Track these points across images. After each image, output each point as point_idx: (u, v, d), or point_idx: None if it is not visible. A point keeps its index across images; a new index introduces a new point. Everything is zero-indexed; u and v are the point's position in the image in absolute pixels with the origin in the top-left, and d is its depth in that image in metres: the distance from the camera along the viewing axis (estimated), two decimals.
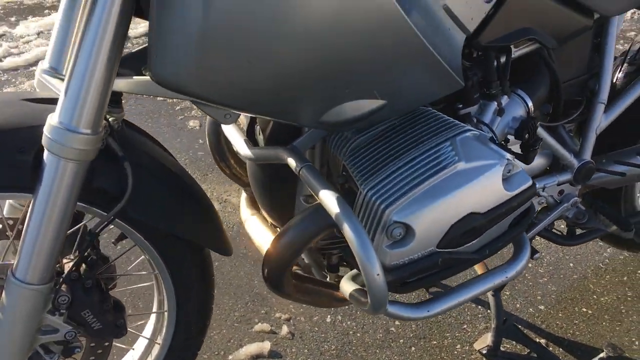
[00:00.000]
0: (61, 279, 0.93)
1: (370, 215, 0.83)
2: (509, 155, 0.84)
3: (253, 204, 1.33)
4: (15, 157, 0.85)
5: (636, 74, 1.36)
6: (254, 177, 1.12)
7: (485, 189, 0.83)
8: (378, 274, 0.79)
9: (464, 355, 1.48)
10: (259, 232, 1.24)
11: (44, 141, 0.83)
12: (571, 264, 1.79)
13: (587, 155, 1.20)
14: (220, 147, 1.30)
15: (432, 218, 0.81)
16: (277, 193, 1.11)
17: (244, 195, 1.36)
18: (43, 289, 0.89)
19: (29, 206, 0.86)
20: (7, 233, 0.99)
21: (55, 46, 1.01)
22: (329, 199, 0.84)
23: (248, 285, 1.69)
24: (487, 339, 1.47)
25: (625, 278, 1.75)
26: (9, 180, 0.86)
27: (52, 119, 0.82)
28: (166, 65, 0.75)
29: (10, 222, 0.99)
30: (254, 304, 1.62)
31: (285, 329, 1.53)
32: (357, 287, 0.92)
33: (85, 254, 0.94)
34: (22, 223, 0.90)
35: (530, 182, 0.85)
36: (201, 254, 1.09)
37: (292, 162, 0.92)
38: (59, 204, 0.85)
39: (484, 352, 1.47)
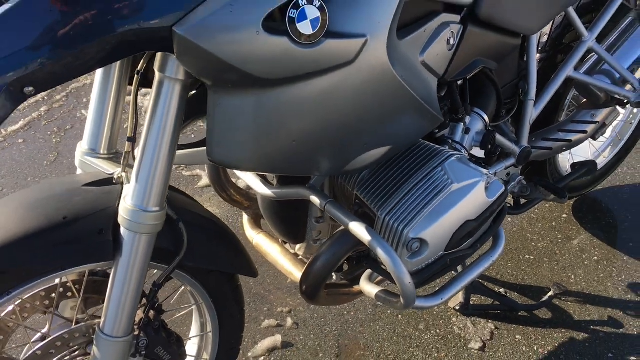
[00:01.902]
0: (139, 327, 1.10)
1: (391, 235, 1.07)
2: (485, 171, 1.10)
3: (256, 224, 1.53)
4: (96, 238, 1.00)
5: (548, 61, 1.65)
6: (268, 207, 1.31)
7: (474, 201, 1.08)
8: (409, 282, 1.04)
9: (442, 313, 1.77)
10: (270, 248, 1.45)
11: (121, 221, 0.99)
12: (509, 219, 2.12)
13: (525, 142, 1.49)
14: (220, 180, 1.47)
15: (439, 230, 1.06)
16: (290, 218, 1.31)
17: (245, 217, 1.55)
18: (128, 339, 1.07)
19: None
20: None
21: (91, 129, 1.15)
22: (358, 228, 1.06)
23: (245, 288, 1.89)
24: (459, 297, 1.77)
25: (553, 223, 2.11)
26: (93, 258, 1.01)
27: (127, 202, 0.98)
28: (223, 151, 0.93)
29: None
30: (256, 304, 1.83)
31: (289, 321, 1.76)
32: (382, 289, 1.16)
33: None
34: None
35: (503, 189, 1.12)
36: (234, 279, 1.29)
37: (315, 199, 1.14)
38: (136, 269, 1.02)
39: (457, 308, 1.77)
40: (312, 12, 0.83)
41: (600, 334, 1.71)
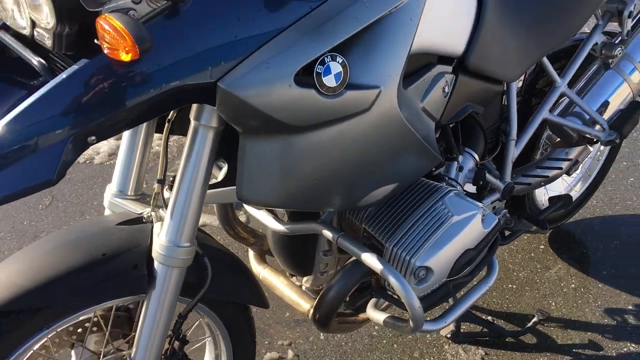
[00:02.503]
0: (165, 358, 1.18)
1: (399, 264, 1.18)
2: (480, 205, 1.22)
3: (261, 259, 1.62)
4: (132, 273, 1.09)
5: (523, 104, 1.81)
6: (278, 242, 1.41)
7: (472, 231, 1.20)
8: (419, 307, 1.14)
9: (435, 342, 1.87)
10: (277, 282, 1.54)
11: (155, 256, 1.08)
12: None
13: (508, 178, 1.62)
14: (228, 218, 1.57)
15: (443, 258, 1.18)
16: (298, 252, 1.41)
17: (251, 253, 1.64)
18: None
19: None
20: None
21: (121, 172, 1.24)
22: (369, 258, 1.17)
23: None
24: (450, 326, 1.87)
25: (532, 254, 2.25)
26: (129, 291, 1.09)
27: (161, 238, 1.07)
28: (252, 191, 1.03)
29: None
30: (257, 337, 1.90)
31: (290, 353, 1.83)
32: (389, 315, 1.26)
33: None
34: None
35: (497, 220, 1.24)
36: (248, 311, 1.37)
37: (327, 233, 1.24)
38: (167, 301, 1.11)
39: (449, 336, 1.87)
40: (336, 67, 0.96)
41: (582, 356, 1.83)
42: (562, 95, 1.70)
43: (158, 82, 0.86)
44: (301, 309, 1.46)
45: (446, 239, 1.17)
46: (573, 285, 2.10)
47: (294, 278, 1.53)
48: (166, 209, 1.16)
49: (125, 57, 0.78)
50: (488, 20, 1.33)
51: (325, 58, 0.95)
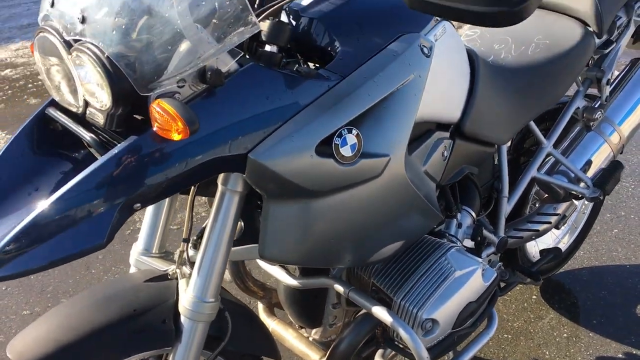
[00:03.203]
0: None
1: (407, 316, 1.27)
2: (480, 260, 1.33)
3: (270, 312, 1.70)
4: (161, 327, 1.16)
5: (512, 162, 1.94)
6: (289, 296, 1.50)
7: (474, 285, 1.30)
8: (427, 357, 1.23)
9: None
10: (286, 334, 1.61)
11: (182, 311, 1.16)
12: None
13: (502, 233, 1.73)
14: (240, 272, 1.65)
15: (447, 311, 1.27)
16: (309, 305, 1.50)
17: (260, 306, 1.72)
18: None
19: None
20: None
21: (147, 232, 1.33)
22: (380, 311, 1.26)
23: None
24: None
25: (525, 304, 2.34)
26: (157, 344, 1.17)
27: (188, 294, 1.16)
28: (274, 250, 1.13)
29: None
30: None
31: None
32: None
33: None
34: None
35: (495, 274, 1.34)
36: None
37: (339, 287, 1.33)
38: (192, 354, 1.18)
39: None
40: (351, 139, 1.07)
41: None
42: (548, 155, 1.83)
43: (199, 156, 0.97)
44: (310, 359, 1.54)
45: (450, 292, 1.27)
46: (565, 335, 2.19)
47: (303, 330, 1.60)
48: (190, 266, 1.26)
49: (177, 137, 0.89)
50: (480, 90, 1.46)
51: (342, 131, 1.06)
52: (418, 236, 1.32)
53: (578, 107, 1.88)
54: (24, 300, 2.34)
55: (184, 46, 0.91)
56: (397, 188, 1.18)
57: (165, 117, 0.88)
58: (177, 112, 0.87)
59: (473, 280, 1.30)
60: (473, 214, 1.53)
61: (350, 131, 1.07)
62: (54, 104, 1.09)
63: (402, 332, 1.22)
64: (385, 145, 1.13)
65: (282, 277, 1.43)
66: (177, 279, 1.25)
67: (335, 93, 1.08)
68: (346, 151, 1.07)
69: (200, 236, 1.30)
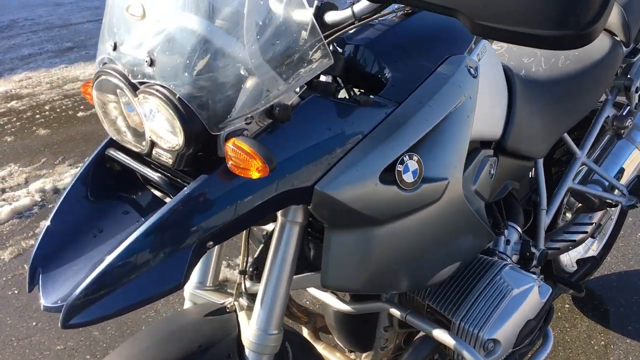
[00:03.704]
0: None
1: (468, 338, 1.26)
2: (534, 276, 1.33)
3: (315, 336, 1.69)
4: None
5: (545, 173, 1.94)
6: (340, 321, 1.49)
7: (532, 302, 1.30)
8: None
9: None
10: (335, 359, 1.61)
11: (246, 344, 1.15)
12: None
13: (542, 245, 1.73)
14: None
15: (508, 330, 1.27)
16: (360, 329, 1.49)
17: (305, 331, 1.71)
18: None
19: None
20: None
21: (201, 265, 1.33)
22: (441, 334, 1.26)
23: None
24: None
25: (559, 313, 2.34)
26: None
27: (251, 326, 1.15)
28: (336, 278, 1.12)
29: None
30: None
31: None
32: None
33: None
34: None
35: (551, 289, 1.34)
36: None
37: (395, 311, 1.33)
38: None
39: None
40: (413, 165, 1.08)
41: None
42: (581, 164, 1.84)
43: (270, 191, 0.97)
44: None
45: (510, 311, 1.27)
46: (603, 343, 2.18)
47: (352, 354, 1.59)
48: (247, 298, 1.25)
49: (256, 175, 0.89)
50: (519, 104, 1.47)
51: (404, 157, 1.06)
52: (473, 256, 1.32)
53: (608, 116, 1.89)
54: (56, 336, 2.32)
55: (254, 84, 0.92)
56: (455, 210, 1.18)
57: (243, 156, 0.88)
58: (255, 151, 0.87)
59: (531, 297, 1.30)
60: (519, 229, 1.53)
61: (411, 157, 1.07)
62: (112, 144, 1.09)
63: (466, 354, 1.22)
64: (444, 169, 1.13)
65: (334, 303, 1.42)
66: (236, 311, 1.24)
67: (393, 120, 1.08)
68: (408, 177, 1.07)
69: (255, 267, 1.30)
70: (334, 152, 1.02)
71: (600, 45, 1.76)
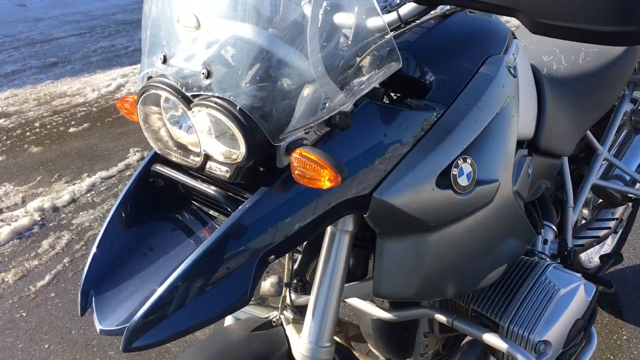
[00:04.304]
0: None
1: (518, 340, 1.25)
2: (579, 275, 1.32)
3: (349, 346, 1.67)
4: None
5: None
6: (378, 329, 1.46)
7: (579, 301, 1.29)
8: None
9: None
10: None
11: (298, 357, 1.12)
12: None
13: (570, 243, 1.73)
14: None
15: (558, 331, 1.25)
16: (399, 336, 1.47)
17: (337, 340, 1.68)
18: None
19: None
20: None
21: None
22: (491, 337, 1.24)
23: None
24: None
25: None
26: None
27: (302, 340, 1.12)
28: (388, 286, 1.10)
29: None
30: None
31: None
32: None
33: None
34: None
35: (595, 288, 1.33)
36: None
37: (440, 317, 1.31)
38: None
39: None
40: (467, 168, 1.06)
41: None
42: (603, 160, 1.84)
43: (330, 201, 0.94)
44: None
45: (558, 312, 1.26)
46: (625, 337, 2.19)
47: None
48: (291, 310, 1.23)
49: (327, 185, 0.86)
50: (547, 104, 1.46)
51: (458, 161, 1.05)
52: (518, 257, 1.31)
53: (626, 111, 1.89)
54: (71, 357, 2.27)
55: (313, 93, 0.89)
56: (506, 213, 1.17)
57: (312, 166, 0.85)
58: (326, 161, 0.85)
59: (578, 296, 1.28)
60: (554, 228, 1.52)
61: (465, 160, 1.06)
62: (157, 160, 1.06)
63: (520, 357, 1.20)
64: (495, 171, 1.12)
65: (374, 311, 1.40)
66: (282, 324, 1.22)
67: (444, 123, 1.06)
68: (463, 181, 1.06)
69: (300, 279, 1.27)
70: (390, 158, 1.00)
71: None
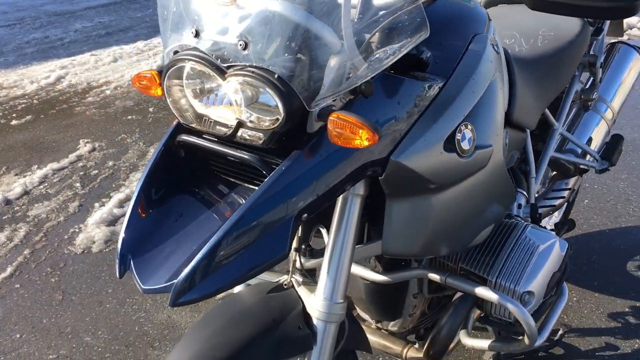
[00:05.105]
0: None
1: (505, 292, 1.38)
2: (554, 233, 1.46)
3: None
4: (298, 333, 1.20)
5: None
6: (372, 292, 1.56)
7: (556, 256, 1.43)
8: (534, 325, 1.34)
9: None
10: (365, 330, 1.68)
11: (314, 314, 1.21)
12: None
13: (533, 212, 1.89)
14: None
15: (540, 282, 1.39)
16: (391, 298, 1.57)
17: None
18: None
19: None
20: None
21: None
22: (483, 291, 1.36)
23: None
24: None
25: None
26: (300, 349, 1.20)
27: (317, 297, 1.21)
28: (396, 244, 1.21)
29: None
30: None
31: None
32: (492, 340, 1.45)
33: None
34: None
35: (567, 244, 1.48)
36: (355, 356, 1.49)
37: (434, 276, 1.42)
38: (327, 353, 1.23)
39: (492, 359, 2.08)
40: (468, 133, 1.17)
41: (605, 357, 2.09)
42: (558, 135, 2.01)
43: (354, 162, 1.03)
44: (392, 351, 1.62)
45: (539, 266, 1.40)
46: (575, 299, 2.39)
47: (379, 324, 1.67)
48: (300, 274, 1.31)
49: (365, 144, 0.95)
50: (518, 81, 1.61)
51: (461, 126, 1.16)
52: (502, 218, 1.44)
53: (576, 90, 2.07)
54: (46, 345, 2.25)
55: (340, 63, 0.98)
56: (497, 175, 1.30)
57: (350, 127, 0.94)
58: (362, 122, 0.94)
59: (554, 252, 1.43)
60: (526, 194, 1.67)
61: (466, 126, 1.17)
62: (180, 132, 1.11)
63: (509, 306, 1.33)
64: (489, 137, 1.24)
65: (371, 275, 1.49)
66: (293, 287, 1.29)
67: (446, 93, 1.17)
68: (465, 145, 1.17)
69: (307, 245, 1.35)
70: (403, 124, 1.10)
71: (570, 25, 1.93)
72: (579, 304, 2.36)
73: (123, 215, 3.08)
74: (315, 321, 1.21)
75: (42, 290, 2.56)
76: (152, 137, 3.96)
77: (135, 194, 1.09)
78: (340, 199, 1.20)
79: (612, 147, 2.10)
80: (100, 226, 2.97)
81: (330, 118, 0.96)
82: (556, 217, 2.57)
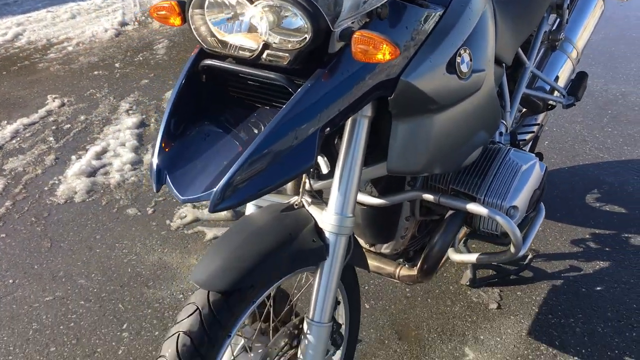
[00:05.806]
0: None
1: (493, 207, 1.52)
2: (534, 155, 1.61)
3: None
4: (313, 245, 1.31)
5: None
6: (367, 216, 1.68)
7: (536, 175, 1.58)
8: (520, 235, 1.50)
9: (459, 290, 2.24)
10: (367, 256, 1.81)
11: (326, 227, 1.32)
12: None
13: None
14: None
15: (523, 198, 1.54)
16: (385, 221, 1.70)
17: None
18: (331, 324, 1.38)
19: None
20: None
21: None
22: (475, 207, 1.50)
23: None
24: (467, 275, 2.25)
25: None
26: (314, 259, 1.32)
27: (329, 212, 1.32)
28: (400, 162, 1.32)
29: None
30: None
31: None
32: (480, 253, 1.60)
33: None
34: None
35: (546, 166, 1.63)
36: (355, 275, 1.62)
37: (429, 196, 1.55)
38: (338, 264, 1.35)
39: (468, 284, 2.25)
40: (466, 57, 1.29)
41: (570, 277, 2.30)
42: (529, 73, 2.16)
43: (371, 80, 1.14)
44: (385, 272, 1.76)
45: (522, 183, 1.55)
46: (541, 228, 2.58)
47: (373, 247, 1.81)
48: (309, 195, 1.41)
49: (387, 58, 1.05)
50: (497, 18, 1.73)
51: (461, 50, 1.27)
52: (488, 141, 1.58)
53: (545, 31, 2.22)
54: (40, 288, 2.30)
55: None
56: (488, 99, 1.42)
57: (374, 42, 1.03)
58: (384, 38, 1.04)
59: (535, 171, 1.58)
60: (506, 123, 1.81)
61: (465, 50, 1.29)
62: (203, 57, 1.18)
63: (498, 219, 1.48)
64: (483, 62, 1.36)
65: (367, 199, 1.61)
66: (303, 206, 1.40)
67: (446, 20, 1.28)
68: (464, 67, 1.29)
69: (317, 169, 1.45)
70: (411, 47, 1.21)
71: None
72: (544, 232, 2.56)
73: (102, 166, 3.11)
74: (327, 234, 1.32)
75: (29, 238, 2.59)
76: (122, 92, 3.95)
77: (165, 118, 1.16)
78: (349, 121, 1.31)
79: (578, 83, 2.26)
80: (80, 177, 2.99)
81: (355, 36, 1.05)
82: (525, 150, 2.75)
